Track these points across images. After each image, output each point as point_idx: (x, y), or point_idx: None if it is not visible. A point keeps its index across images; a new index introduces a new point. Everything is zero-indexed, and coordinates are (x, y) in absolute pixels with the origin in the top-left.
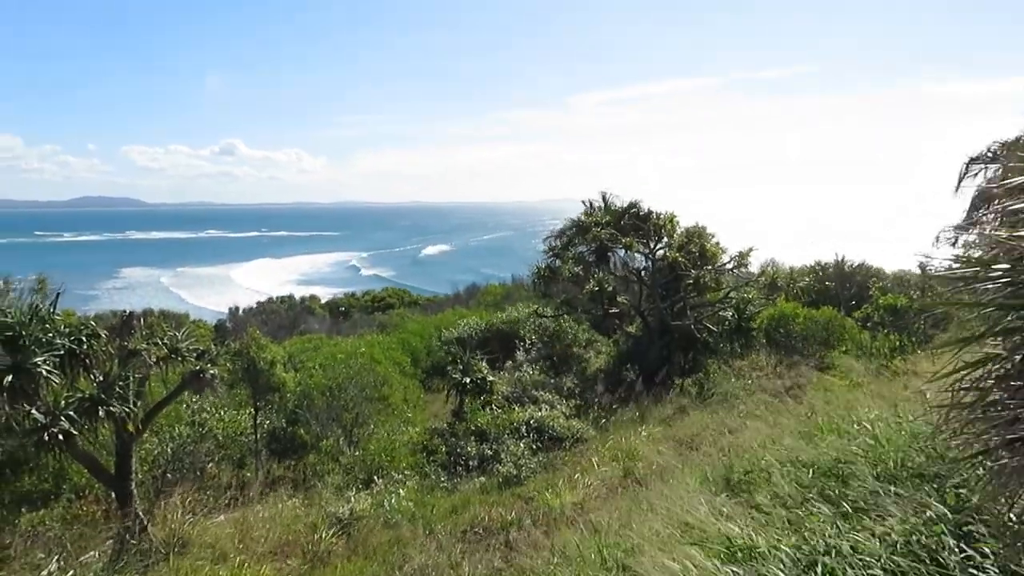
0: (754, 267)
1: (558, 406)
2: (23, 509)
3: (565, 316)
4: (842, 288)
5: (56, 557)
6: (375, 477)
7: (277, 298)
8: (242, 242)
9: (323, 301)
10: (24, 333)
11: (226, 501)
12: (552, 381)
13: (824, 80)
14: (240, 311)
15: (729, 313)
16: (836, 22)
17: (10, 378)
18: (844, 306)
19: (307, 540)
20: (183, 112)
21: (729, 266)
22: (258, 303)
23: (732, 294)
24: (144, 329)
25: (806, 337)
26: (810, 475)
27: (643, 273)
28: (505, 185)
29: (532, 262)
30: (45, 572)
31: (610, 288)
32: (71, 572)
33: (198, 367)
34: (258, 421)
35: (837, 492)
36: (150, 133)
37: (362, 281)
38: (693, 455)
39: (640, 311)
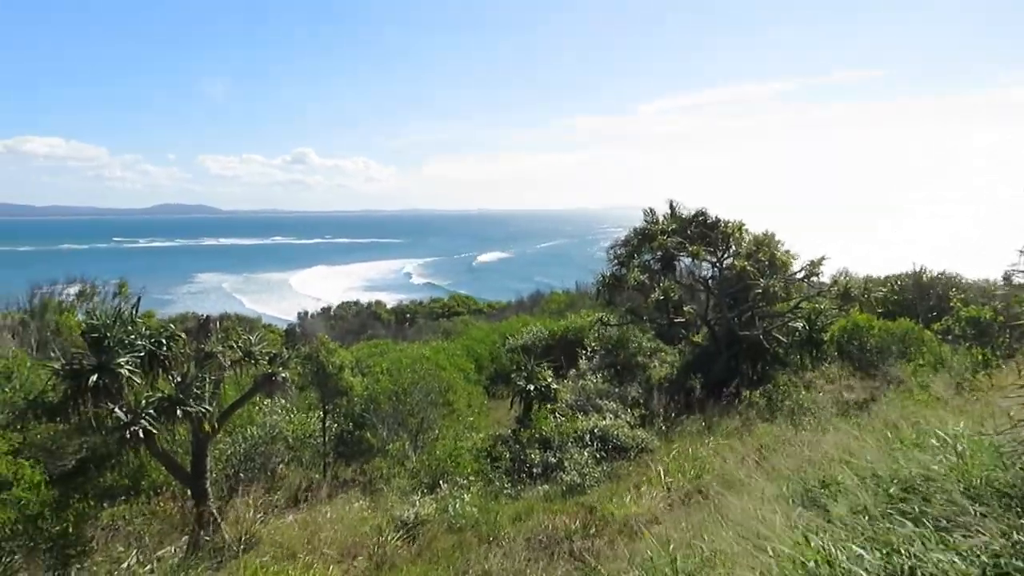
0: (826, 276)
1: (622, 415)
2: (105, 504)
3: (630, 324)
4: (920, 299)
5: (135, 551)
6: (440, 482)
7: (345, 304)
8: (306, 249)
9: (389, 307)
10: (109, 335)
11: (295, 502)
12: (616, 390)
13: (895, 85)
14: (309, 316)
15: (800, 324)
16: (906, 23)
17: (95, 378)
18: (923, 318)
19: (373, 542)
20: (257, 122)
21: (800, 275)
22: (325, 308)
23: (803, 304)
24: (220, 333)
25: (881, 350)
26: (890, 490)
27: (710, 282)
28: (569, 192)
29: (587, 270)
30: (125, 565)
31: (676, 297)
32: (148, 566)
33: (270, 370)
34: (326, 424)
35: (919, 509)
36: (226, 143)
37: (415, 288)
38: (763, 468)
39: (707, 320)
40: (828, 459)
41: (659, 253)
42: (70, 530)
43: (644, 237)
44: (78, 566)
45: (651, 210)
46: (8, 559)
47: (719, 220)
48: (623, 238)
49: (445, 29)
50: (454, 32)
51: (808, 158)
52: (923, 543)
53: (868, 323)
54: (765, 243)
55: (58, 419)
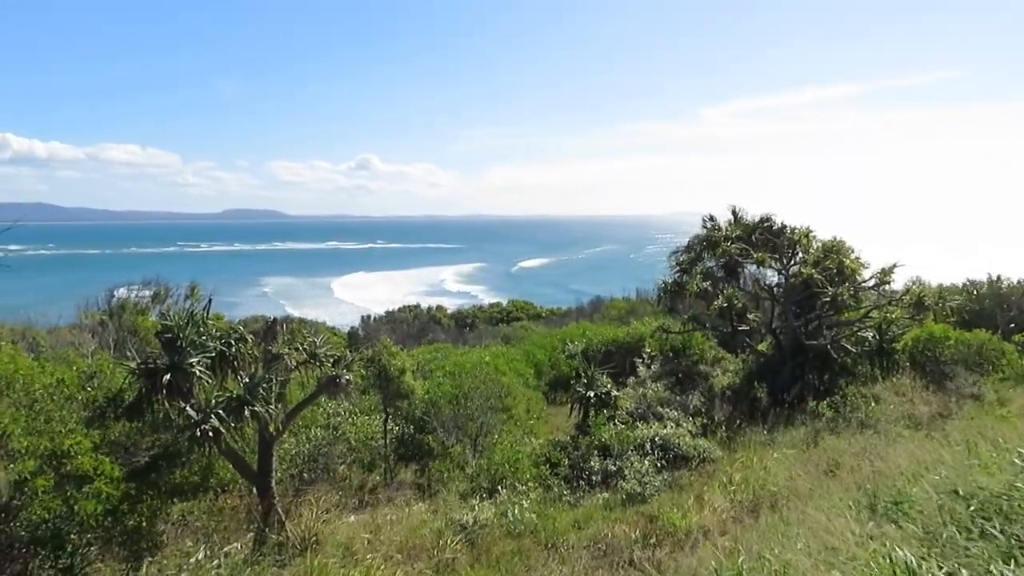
0: (898, 284)
1: (683, 424)
2: (175, 500)
3: (692, 332)
4: (999, 309)
5: (203, 546)
6: (499, 487)
7: (406, 307)
8: (361, 254)
9: (449, 311)
10: (182, 336)
11: (356, 502)
12: (677, 398)
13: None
14: (371, 319)
15: (869, 333)
16: (986, 23)
17: (169, 377)
18: (1002, 329)
19: (433, 545)
20: (324, 129)
21: (870, 283)
22: (387, 312)
23: (873, 313)
24: (286, 335)
25: (957, 362)
26: (968, 508)
27: (776, 290)
28: (633, 198)
29: (627, 276)
30: (193, 559)
31: (740, 304)
32: (216, 561)
33: (334, 372)
34: (387, 427)
35: (999, 528)
36: (293, 149)
37: (452, 295)
38: (830, 481)
39: (771, 329)
40: (900, 473)
41: (722, 260)
42: (143, 524)
43: (707, 244)
44: (149, 559)
45: (712, 217)
46: (85, 550)
47: (785, 226)
48: (685, 244)
49: (509, 34)
50: (518, 37)
51: (880, 163)
52: (1008, 562)
53: (943, 334)
54: (833, 250)
55: (133, 417)
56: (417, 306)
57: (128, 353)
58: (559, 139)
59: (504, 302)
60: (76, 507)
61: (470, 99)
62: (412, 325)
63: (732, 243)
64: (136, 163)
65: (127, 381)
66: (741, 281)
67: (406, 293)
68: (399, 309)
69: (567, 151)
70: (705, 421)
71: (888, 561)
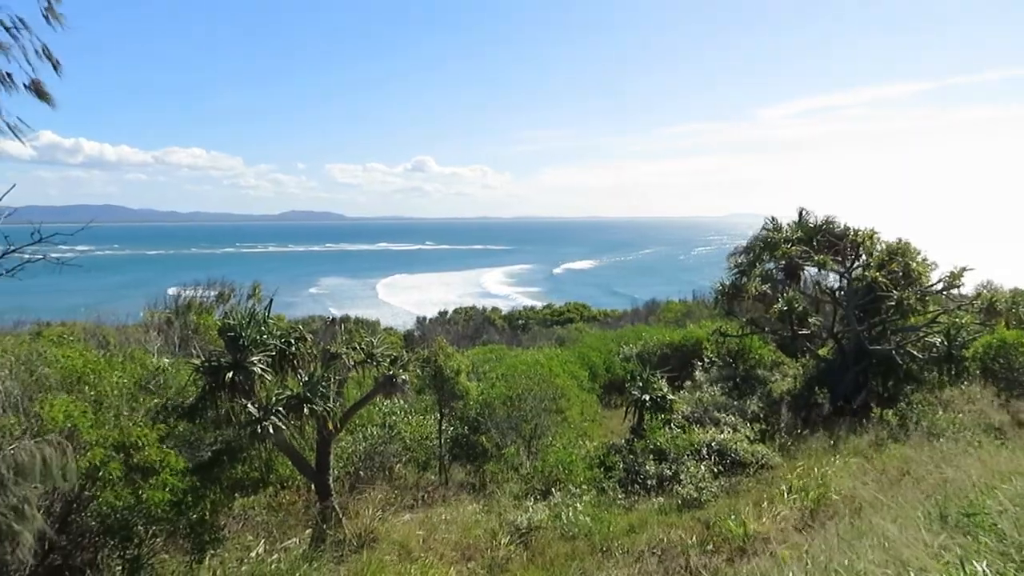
0: (968, 288)
1: (741, 429)
2: (236, 494)
3: (750, 336)
4: None
5: (263, 540)
6: (553, 489)
7: (460, 309)
8: (410, 255)
9: (503, 313)
10: (244, 334)
11: (411, 501)
12: (735, 403)
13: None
14: (427, 320)
15: (937, 339)
16: None
17: (231, 374)
18: None
19: (487, 545)
20: (379, 132)
21: (938, 287)
22: (442, 313)
23: (942, 318)
24: (344, 335)
25: None
26: None
27: (838, 293)
28: (686, 199)
29: (671, 279)
30: (253, 553)
31: (800, 308)
32: (275, 555)
33: (391, 372)
34: (442, 427)
35: None
36: (350, 151)
37: (491, 297)
38: (896, 490)
39: (833, 333)
40: (973, 484)
41: (783, 262)
42: (206, 517)
43: (766, 245)
44: (211, 552)
45: (773, 218)
46: (152, 541)
47: (848, 228)
48: (744, 246)
49: (564, 37)
50: (573, 39)
51: (948, 163)
52: None
53: (1018, 340)
54: (899, 252)
55: (196, 414)
56: (472, 307)
57: (193, 351)
58: (613, 140)
59: (558, 303)
60: (144, 496)
61: (524, 101)
62: (467, 326)
63: (793, 245)
64: (200, 166)
65: (191, 378)
66: (802, 284)
67: (445, 294)
68: (454, 310)
69: (621, 152)
70: (763, 427)
71: (963, 574)
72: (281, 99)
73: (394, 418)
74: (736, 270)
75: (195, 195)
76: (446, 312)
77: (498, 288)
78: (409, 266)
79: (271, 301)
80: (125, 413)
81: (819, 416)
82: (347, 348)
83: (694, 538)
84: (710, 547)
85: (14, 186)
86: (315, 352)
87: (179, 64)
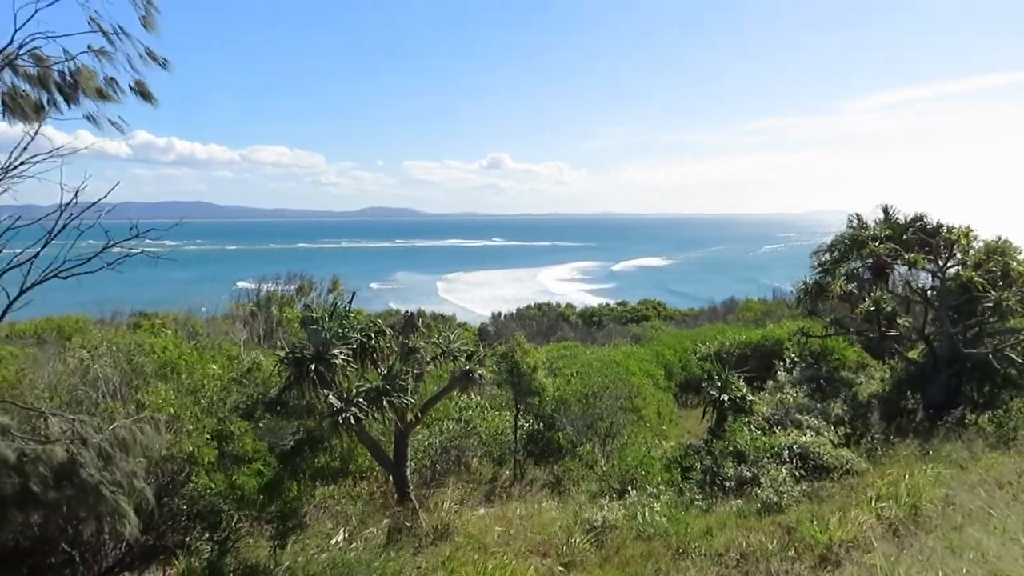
0: None
1: (825, 432)
2: (317, 483)
3: (834, 336)
4: None
5: (343, 529)
6: (629, 488)
7: (534, 305)
8: (480, 251)
9: (577, 310)
10: (326, 327)
11: (486, 496)
12: (818, 405)
13: None
14: (501, 315)
15: None
16: None
17: (314, 366)
18: None
19: (562, 542)
20: (457, 129)
21: None
22: (517, 309)
23: None
24: (422, 329)
25: None
26: None
27: (929, 293)
28: (767, 196)
29: (736, 278)
30: (333, 540)
31: (888, 308)
32: (354, 544)
33: (467, 367)
34: (518, 423)
35: None
36: (429, 149)
37: (547, 294)
38: (994, 503)
39: (924, 335)
40: None
41: (869, 261)
42: (290, 504)
43: (852, 243)
44: (293, 538)
45: (859, 215)
46: (237, 526)
47: (941, 225)
48: (827, 244)
49: (641, 31)
50: (650, 33)
51: None
52: None
53: None
54: (998, 251)
55: (281, 406)
56: (546, 303)
57: (278, 343)
58: (693, 136)
59: (632, 301)
60: (237, 483)
61: (600, 97)
62: (541, 323)
63: (881, 243)
64: (284, 164)
65: (276, 369)
66: (890, 283)
67: (504, 291)
68: (527, 306)
69: (700, 148)
70: (848, 431)
71: None
72: (362, 98)
73: (470, 413)
74: (820, 268)
75: (279, 192)
76: (520, 308)
77: (557, 285)
78: (473, 263)
79: (353, 295)
80: (215, 400)
81: (908, 421)
82: (425, 343)
83: (774, 543)
84: (791, 553)
85: (118, 183)
86: (394, 346)
87: (265, 65)
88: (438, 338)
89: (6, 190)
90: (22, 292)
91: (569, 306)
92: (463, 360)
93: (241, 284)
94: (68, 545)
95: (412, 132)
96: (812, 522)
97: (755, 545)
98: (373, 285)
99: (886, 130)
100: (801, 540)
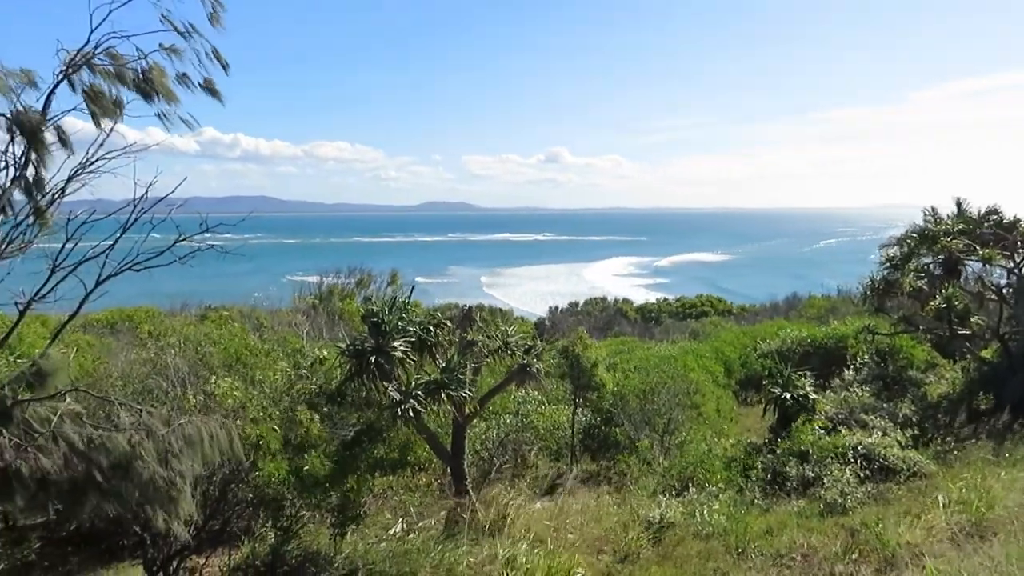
0: None
1: (891, 433)
2: (376, 474)
3: (902, 334)
4: None
5: (401, 520)
6: (688, 486)
7: (592, 300)
8: (530, 246)
9: (635, 305)
10: (385, 320)
11: (543, 490)
12: (884, 405)
13: None
14: (558, 310)
15: None
16: None
17: (374, 358)
18: None
19: (618, 539)
20: (514, 124)
21: None
22: (573, 304)
23: None
24: (480, 323)
25: None
26: None
27: (1005, 291)
28: (828, 189)
29: (790, 274)
30: (392, 531)
31: (961, 305)
32: (412, 534)
33: (525, 361)
34: (575, 417)
35: None
36: (487, 143)
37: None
38: None
39: (999, 334)
40: None
41: (941, 256)
42: (350, 494)
43: (922, 238)
44: (353, 527)
45: (933, 208)
46: (301, 513)
47: (1019, 220)
48: (896, 239)
49: (699, 22)
50: (709, 23)
51: None
52: None
53: None
54: None
55: (341, 397)
56: (604, 298)
57: (340, 334)
58: (755, 127)
59: (691, 296)
60: (300, 470)
61: (661, 89)
62: (598, 318)
63: (953, 238)
64: (345, 159)
65: (337, 361)
66: (963, 280)
67: (550, 285)
68: (585, 301)
69: (762, 140)
70: (916, 432)
71: None
72: (421, 93)
73: (527, 407)
74: (887, 264)
75: (340, 187)
76: (577, 302)
77: (602, 280)
78: (522, 257)
79: (413, 288)
80: (279, 390)
81: (981, 423)
82: (483, 336)
83: (837, 545)
84: (855, 556)
85: (185, 179)
86: (452, 339)
87: (326, 61)
88: (496, 332)
89: (83, 185)
90: (98, 284)
91: (627, 301)
92: (521, 354)
93: (289, 278)
94: (139, 528)
95: (470, 127)
96: (878, 524)
97: (817, 546)
98: (419, 279)
99: (956, 121)
100: (865, 543)
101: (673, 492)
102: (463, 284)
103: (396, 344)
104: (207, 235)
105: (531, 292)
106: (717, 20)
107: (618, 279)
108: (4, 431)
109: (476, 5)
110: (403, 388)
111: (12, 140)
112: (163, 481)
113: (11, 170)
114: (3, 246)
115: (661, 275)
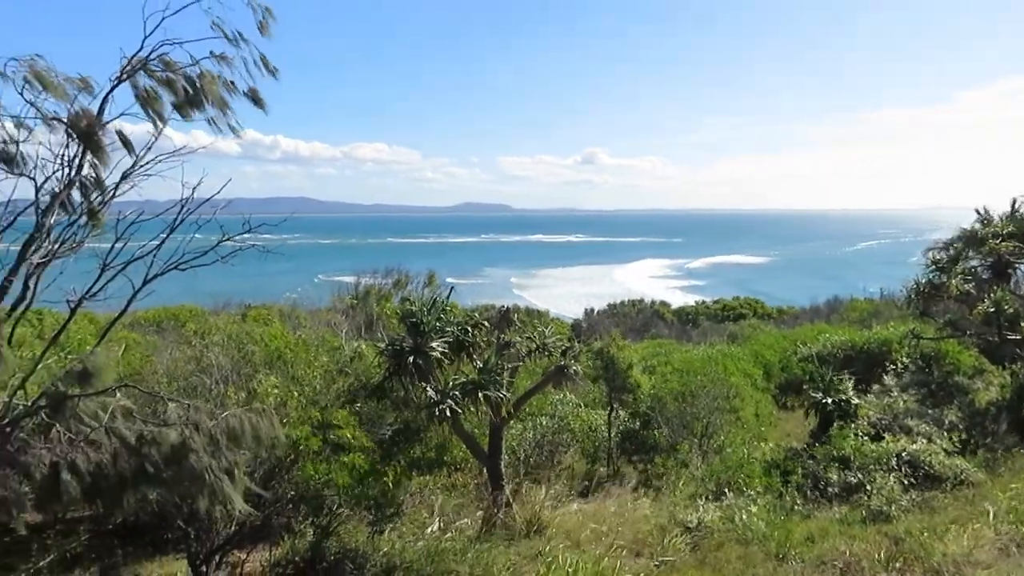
0: None
1: (937, 440)
2: (412, 473)
3: (948, 339)
4: None
5: (437, 519)
6: (726, 490)
7: (628, 301)
8: (561, 247)
9: (673, 307)
10: (424, 321)
11: (579, 492)
12: (930, 412)
13: None
14: (595, 311)
15: None
16: None
17: (412, 358)
18: None
19: (656, 542)
20: (551, 125)
21: None
22: (610, 305)
23: None
24: (517, 324)
25: None
26: None
27: None
28: (874, 190)
29: (824, 276)
30: (429, 529)
31: (1011, 310)
32: (448, 534)
33: (562, 362)
34: (612, 420)
35: None
36: (523, 144)
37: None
38: None
39: None
40: None
41: (990, 259)
42: (387, 493)
43: (970, 240)
44: (391, 526)
45: (986, 209)
46: (340, 511)
47: None
48: (944, 240)
49: (741, 26)
50: (750, 28)
51: None
52: None
53: None
54: None
55: (379, 397)
56: (641, 300)
57: (379, 334)
58: (791, 129)
59: (729, 298)
60: (338, 469)
61: (702, 91)
62: (635, 319)
63: (1003, 240)
64: (382, 160)
65: (375, 361)
66: (1013, 283)
67: (580, 287)
68: (621, 303)
69: (797, 141)
70: (963, 439)
71: None
72: (458, 94)
73: (564, 409)
74: (934, 267)
75: (378, 188)
76: (614, 304)
77: (633, 282)
78: (554, 259)
79: (451, 289)
80: (319, 388)
81: None
82: (520, 337)
83: (881, 554)
84: (899, 564)
85: (230, 180)
86: (490, 340)
87: (364, 63)
88: (533, 333)
89: (133, 187)
90: (145, 283)
91: (664, 303)
92: (558, 355)
93: (321, 277)
94: (183, 522)
95: (507, 128)
96: (923, 533)
97: (860, 554)
98: (449, 279)
99: (1005, 120)
100: (910, 552)
101: (710, 496)
102: (496, 285)
103: (434, 344)
104: (247, 235)
105: (566, 294)
106: (759, 21)
107: (652, 281)
108: (57, 425)
109: (515, 7)
110: (440, 388)
111: (68, 143)
112: (215, 472)
113: (67, 171)
114: (57, 246)
115: (695, 277)
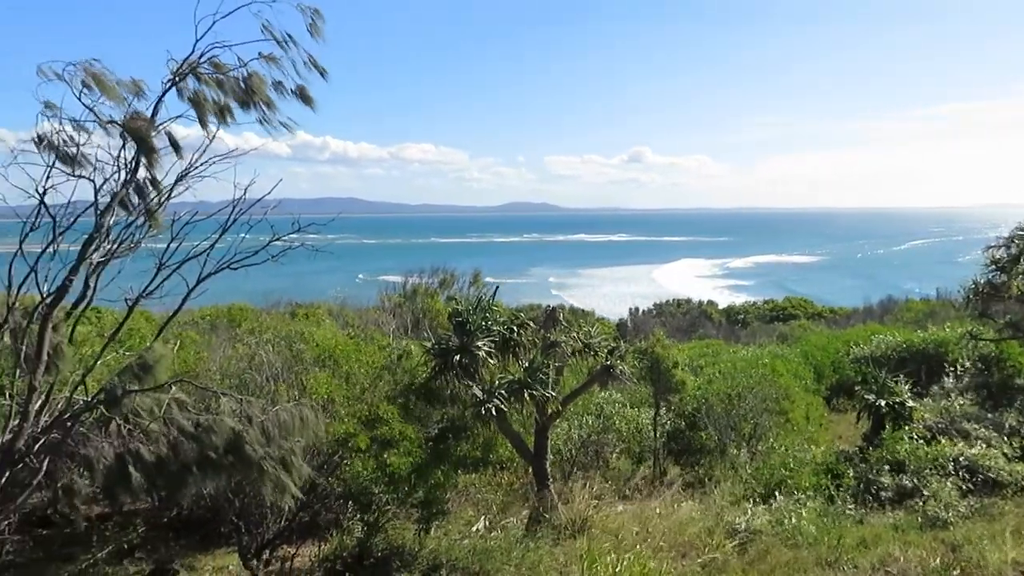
0: None
1: (996, 445)
2: (459, 471)
3: (1009, 340)
4: None
5: (483, 517)
6: (776, 493)
7: (674, 301)
8: (603, 247)
9: (720, 307)
10: (470, 320)
11: (625, 493)
12: (989, 415)
13: None
14: (640, 311)
15: None
16: None
17: (459, 357)
18: None
19: (703, 544)
20: (600, 124)
21: None
22: (656, 304)
23: None
24: (563, 323)
25: None
26: None
27: None
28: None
29: (864, 276)
30: (475, 528)
31: None
32: (494, 532)
33: (608, 362)
34: (658, 420)
35: None
36: (569, 144)
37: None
38: None
39: None
40: None
41: None
42: (435, 489)
43: None
44: (437, 523)
45: None
46: (387, 508)
47: None
48: (1004, 238)
49: (789, 22)
50: (798, 24)
51: None
52: None
53: None
54: None
55: (427, 395)
56: (687, 300)
57: (425, 334)
58: (841, 126)
59: (779, 299)
60: (386, 466)
61: (749, 88)
62: (682, 319)
63: None
64: (429, 160)
65: (423, 359)
66: None
67: (615, 288)
68: (667, 302)
69: (851, 139)
70: None
71: None
72: (505, 93)
73: (609, 409)
74: (992, 266)
75: (424, 189)
76: (660, 303)
77: (678, 281)
78: (597, 259)
79: (496, 288)
80: (367, 387)
81: None
82: (566, 337)
83: (937, 561)
84: (956, 572)
85: (280, 181)
86: (535, 339)
87: (411, 64)
88: (579, 332)
89: (187, 188)
90: (199, 281)
91: (711, 303)
92: (604, 355)
93: (362, 277)
94: (235, 517)
95: (553, 127)
96: (982, 540)
97: (914, 561)
98: (494, 279)
99: None
100: (968, 560)
101: (759, 499)
102: (540, 285)
103: (480, 343)
104: (295, 235)
105: (611, 293)
106: (807, 18)
107: (698, 280)
108: (116, 418)
109: (560, 5)
110: (487, 387)
111: (124, 145)
112: (271, 460)
113: (124, 173)
114: (115, 246)
115: (741, 277)
